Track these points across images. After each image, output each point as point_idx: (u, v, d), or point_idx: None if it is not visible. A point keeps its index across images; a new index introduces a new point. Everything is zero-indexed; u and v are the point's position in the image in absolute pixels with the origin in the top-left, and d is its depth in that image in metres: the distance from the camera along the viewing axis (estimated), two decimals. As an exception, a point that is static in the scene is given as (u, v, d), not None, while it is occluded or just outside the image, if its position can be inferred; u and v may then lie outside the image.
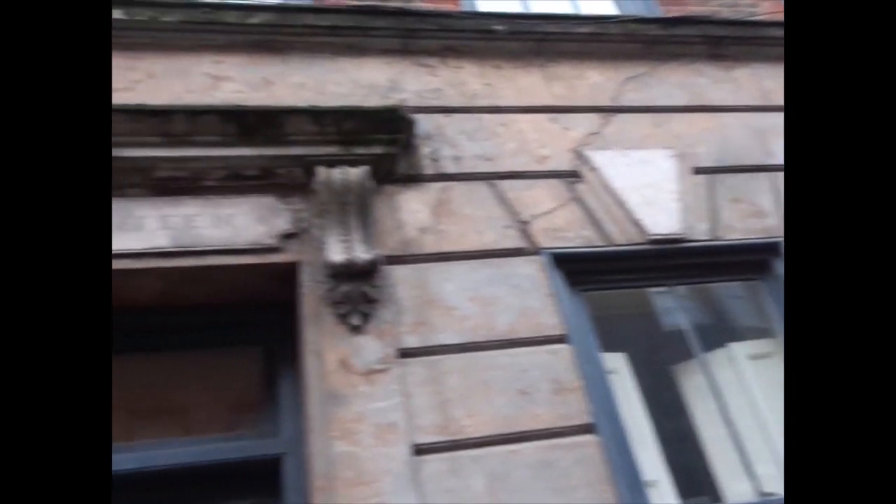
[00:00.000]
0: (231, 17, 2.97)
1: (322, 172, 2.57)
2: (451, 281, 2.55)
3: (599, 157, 2.98)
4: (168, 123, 2.54)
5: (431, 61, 3.18)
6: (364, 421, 2.19)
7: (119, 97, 2.74)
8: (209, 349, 2.62)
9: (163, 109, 2.55)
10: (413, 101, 3.02)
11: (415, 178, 2.79)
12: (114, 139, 2.49)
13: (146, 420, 2.59)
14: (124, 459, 2.28)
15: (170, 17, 2.92)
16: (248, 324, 2.63)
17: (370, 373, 2.29)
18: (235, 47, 2.98)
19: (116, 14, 2.88)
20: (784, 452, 1.68)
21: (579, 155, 2.98)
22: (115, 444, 2.39)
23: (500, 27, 3.24)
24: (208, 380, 2.64)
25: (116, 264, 2.38)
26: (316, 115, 2.66)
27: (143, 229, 2.47)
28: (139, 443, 2.44)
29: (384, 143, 2.71)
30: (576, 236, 2.77)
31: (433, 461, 2.19)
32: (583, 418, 2.35)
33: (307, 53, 3.06)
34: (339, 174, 2.56)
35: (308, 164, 2.63)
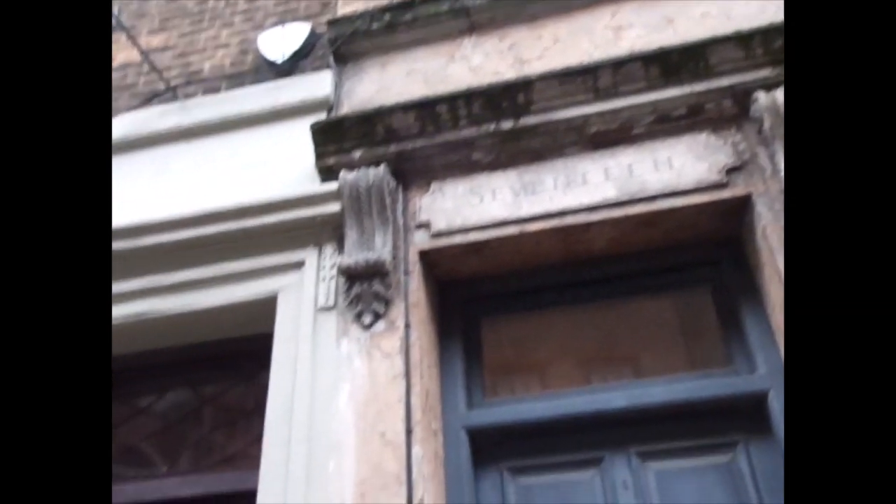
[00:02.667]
0: (623, -36, 2.97)
1: (762, 98, 2.44)
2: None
3: None
4: (595, 79, 2.63)
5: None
6: (873, 349, 2.03)
7: (533, 66, 2.93)
8: (660, 292, 2.67)
9: (589, 67, 2.64)
10: (835, 4, 2.71)
11: (861, 86, 2.51)
12: (547, 103, 2.68)
13: (605, 365, 2.74)
14: (601, 399, 2.42)
15: (566, -21, 3.02)
16: (695, 264, 2.63)
17: (864, 298, 2.12)
18: (629, -6, 2.98)
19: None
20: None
21: None
22: (587, 387, 2.57)
23: None
24: (662, 320, 2.71)
25: (572, 219, 2.55)
26: (741, 39, 2.53)
27: (588, 183, 2.59)
28: (610, 385, 2.56)
29: (822, 54, 2.48)
30: None
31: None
32: None
33: (704, -19, 2.93)
34: (783, 96, 2.41)
35: (740, 94, 2.52)
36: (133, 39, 3.30)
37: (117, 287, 2.75)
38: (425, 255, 2.64)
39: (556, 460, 2.42)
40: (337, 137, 2.80)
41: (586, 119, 2.65)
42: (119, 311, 2.74)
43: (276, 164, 2.98)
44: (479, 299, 2.76)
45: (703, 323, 2.62)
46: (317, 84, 3.17)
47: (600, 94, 2.64)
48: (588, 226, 2.55)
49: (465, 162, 2.76)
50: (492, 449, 2.46)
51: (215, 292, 2.70)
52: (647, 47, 2.75)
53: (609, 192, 2.55)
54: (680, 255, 2.63)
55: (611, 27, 2.96)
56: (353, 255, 2.54)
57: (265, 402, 2.57)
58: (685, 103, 2.59)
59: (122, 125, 3.25)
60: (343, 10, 3.45)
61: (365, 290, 2.50)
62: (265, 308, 2.64)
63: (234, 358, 2.81)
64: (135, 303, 2.74)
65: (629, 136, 2.64)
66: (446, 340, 2.67)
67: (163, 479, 2.68)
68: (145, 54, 3.13)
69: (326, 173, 2.81)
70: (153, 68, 3.16)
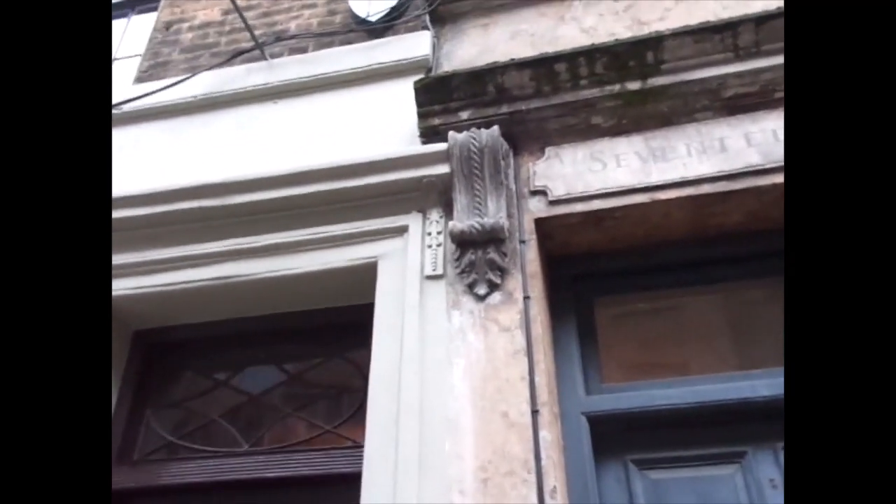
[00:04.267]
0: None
1: (933, 56, 2.18)
2: None
3: None
4: (734, 36, 2.39)
5: None
6: None
7: (653, 27, 2.70)
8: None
9: (729, 22, 2.41)
10: None
11: None
12: (680, 62, 2.45)
13: (735, 351, 2.48)
14: (740, 388, 2.17)
15: (691, -64, 2.78)
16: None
17: None
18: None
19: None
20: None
21: None
22: (722, 374, 2.30)
23: None
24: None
25: (709, 188, 2.30)
26: (905, -6, 2.27)
27: (728, 150, 2.35)
28: (750, 373, 2.29)
29: None
30: None
31: None
32: None
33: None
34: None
35: (902, 53, 2.26)
36: (217, -3, 3.13)
37: (201, 248, 2.56)
38: (541, 224, 2.41)
39: (690, 454, 2.16)
40: (443, 96, 2.58)
41: (723, 80, 2.42)
42: (202, 274, 2.54)
43: (371, 126, 2.77)
44: (593, 276, 2.52)
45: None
46: (413, 45, 2.97)
47: (740, 54, 2.40)
48: (726, 196, 2.31)
49: (582, 126, 2.53)
50: (614, 438, 2.21)
51: (308, 257, 2.49)
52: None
53: (753, 159, 2.30)
54: (824, 233, 2.37)
55: (741, -14, 2.72)
56: (465, 221, 2.32)
57: (358, 380, 2.36)
58: (837, 65, 2.34)
59: (204, 83, 3.07)
60: (439, -31, 3.25)
61: (479, 257, 2.27)
62: (362, 276, 2.42)
63: (325, 330, 2.59)
64: (220, 266, 2.53)
65: (770, 101, 2.40)
66: (559, 319, 2.43)
67: (244, 458, 2.45)
68: (237, 8, 2.93)
69: (429, 134, 2.59)
70: (243, 23, 2.97)
